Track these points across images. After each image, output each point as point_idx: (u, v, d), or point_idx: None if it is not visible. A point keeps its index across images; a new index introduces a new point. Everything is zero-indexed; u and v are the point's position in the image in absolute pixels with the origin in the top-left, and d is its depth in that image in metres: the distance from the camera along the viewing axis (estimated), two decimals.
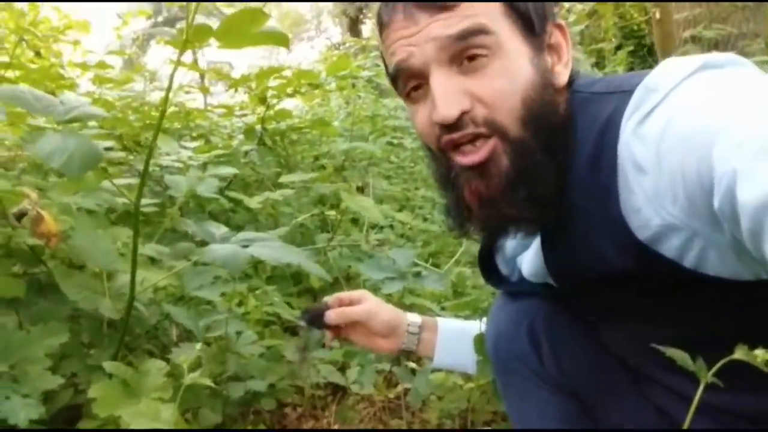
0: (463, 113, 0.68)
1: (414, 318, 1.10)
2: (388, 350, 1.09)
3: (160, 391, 0.91)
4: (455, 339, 1.09)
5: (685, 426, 0.51)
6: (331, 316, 1.06)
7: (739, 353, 0.46)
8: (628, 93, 0.66)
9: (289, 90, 2.20)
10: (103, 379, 0.99)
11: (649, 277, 0.68)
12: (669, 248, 0.64)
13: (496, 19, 0.69)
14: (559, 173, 0.70)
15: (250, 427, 1.17)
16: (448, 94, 0.68)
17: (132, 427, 0.73)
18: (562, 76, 0.73)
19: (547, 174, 0.70)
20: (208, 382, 0.87)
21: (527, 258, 0.89)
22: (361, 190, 1.53)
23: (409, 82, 0.73)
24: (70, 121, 0.91)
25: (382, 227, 2.06)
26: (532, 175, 0.69)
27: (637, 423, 0.89)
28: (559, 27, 0.75)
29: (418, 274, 1.27)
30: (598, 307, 0.83)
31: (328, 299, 1.11)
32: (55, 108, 0.92)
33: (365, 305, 1.08)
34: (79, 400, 1.16)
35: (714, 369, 0.48)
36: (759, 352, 0.49)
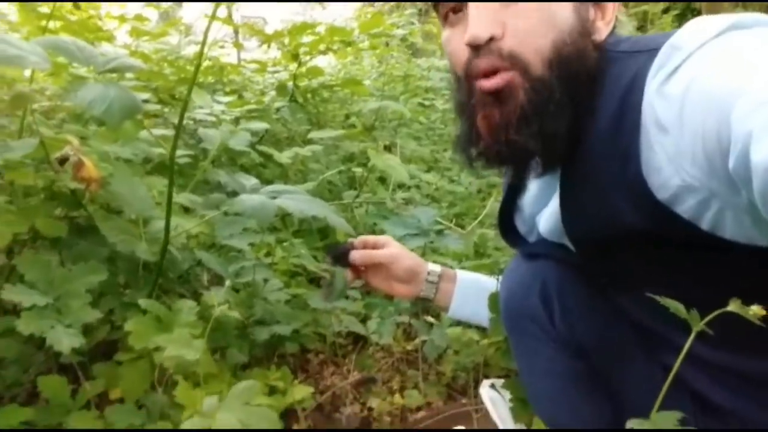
0: (492, 39, 0.70)
1: (434, 267, 1.13)
2: (406, 295, 1.13)
3: (191, 327, 0.97)
4: (472, 292, 1.13)
5: (672, 373, 0.54)
6: (356, 256, 1.11)
7: (733, 306, 0.48)
8: (654, 52, 0.67)
9: (322, 47, 2.21)
10: (138, 316, 1.06)
11: (664, 238, 0.69)
12: (687, 209, 0.65)
13: None
14: (575, 119, 0.72)
15: (274, 368, 1.24)
16: (483, 17, 0.69)
17: (166, 353, 0.79)
18: (601, 32, 0.74)
19: (561, 115, 0.71)
20: (236, 315, 0.92)
21: (545, 216, 0.90)
22: (388, 149, 1.55)
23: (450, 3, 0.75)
24: (110, 71, 0.95)
25: (408, 187, 2.09)
26: (546, 113, 0.70)
27: (645, 385, 0.91)
28: None
29: (440, 233, 1.31)
30: (612, 269, 0.85)
31: (353, 240, 1.15)
32: (96, 58, 0.97)
33: (389, 249, 1.12)
34: (115, 336, 1.25)
35: (705, 320, 0.51)
36: (754, 308, 0.51)
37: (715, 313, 0.50)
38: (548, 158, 0.75)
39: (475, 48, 0.71)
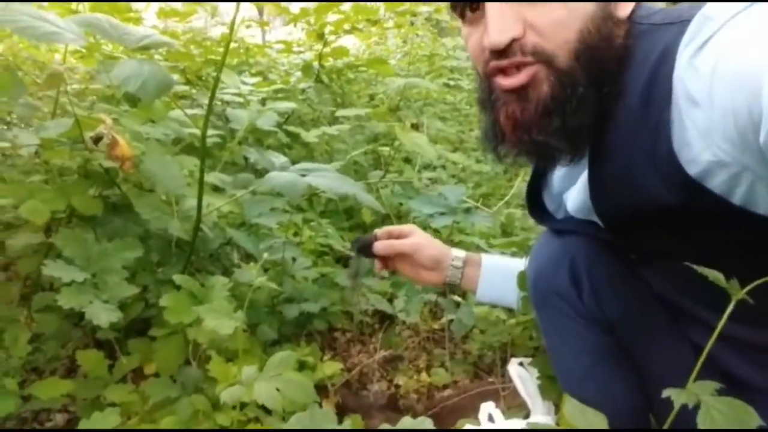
0: (514, 40, 0.68)
1: (459, 253, 1.14)
2: (432, 282, 1.14)
3: (223, 303, 0.98)
4: (498, 274, 1.13)
5: (706, 350, 0.53)
6: (379, 247, 1.12)
7: None
8: (686, 23, 0.65)
9: (347, 26, 2.20)
10: (172, 292, 1.08)
11: (695, 213, 0.68)
12: (718, 184, 0.64)
13: None
14: (601, 107, 0.70)
15: (303, 345, 1.26)
16: (502, 19, 0.68)
17: (205, 324, 0.81)
18: (625, 7, 0.72)
19: (585, 108, 0.70)
20: (273, 286, 0.94)
21: (573, 193, 0.90)
22: (415, 127, 1.55)
23: (468, 10, 0.73)
24: (143, 49, 0.96)
25: (434, 167, 2.08)
26: (570, 106, 0.69)
27: (673, 361, 0.90)
28: None
29: (468, 211, 1.30)
30: (642, 245, 0.84)
31: (377, 231, 1.16)
32: (128, 36, 0.98)
33: (413, 239, 1.13)
34: (148, 313, 1.28)
35: (749, 287, 0.50)
36: None
37: (756, 282, 0.50)
38: (574, 151, 0.74)
39: (497, 51, 0.69)
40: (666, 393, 0.52)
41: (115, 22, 0.99)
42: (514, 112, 0.72)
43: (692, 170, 0.65)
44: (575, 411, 0.52)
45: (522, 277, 1.08)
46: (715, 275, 0.50)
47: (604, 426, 0.53)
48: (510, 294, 1.12)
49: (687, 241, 0.75)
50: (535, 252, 0.99)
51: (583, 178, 0.83)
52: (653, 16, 0.73)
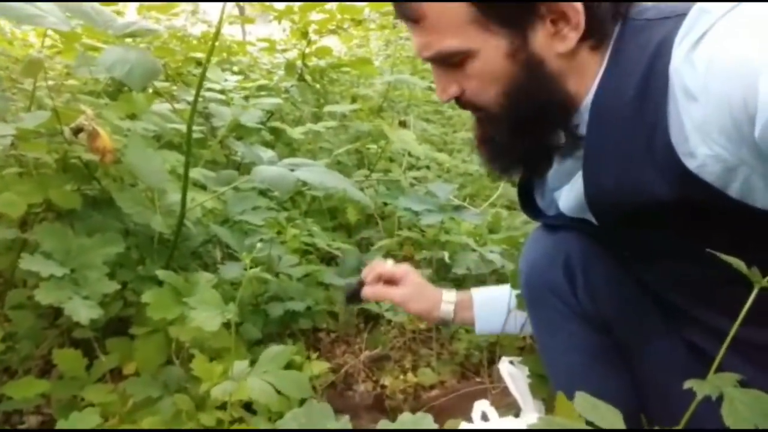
0: (456, 96, 0.79)
1: (449, 296, 1.14)
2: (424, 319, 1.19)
3: (209, 298, 0.96)
4: (491, 309, 1.13)
5: (718, 358, 0.53)
6: (369, 294, 1.13)
7: None
8: (682, 16, 0.65)
9: (331, 26, 2.18)
10: (155, 288, 1.05)
11: (692, 208, 0.68)
12: (715, 178, 0.64)
13: (462, 26, 0.72)
14: (548, 135, 0.80)
15: (290, 343, 1.23)
16: (441, 85, 0.79)
17: (193, 316, 0.78)
18: (568, 41, 0.72)
19: (512, 146, 0.81)
20: (265, 275, 0.91)
21: (565, 193, 0.89)
22: (403, 124, 1.54)
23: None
24: (129, 36, 0.93)
25: (419, 167, 2.07)
26: (504, 141, 0.81)
27: (667, 360, 0.90)
28: None
29: (456, 208, 1.29)
30: (636, 243, 0.84)
31: (366, 273, 1.15)
32: (114, 22, 0.95)
33: (403, 290, 1.13)
34: (127, 312, 1.24)
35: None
36: None
37: None
38: (510, 172, 0.88)
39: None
40: (687, 384, 0.50)
41: (100, 8, 0.96)
42: (477, 132, 0.86)
43: (690, 164, 0.65)
44: (587, 406, 0.50)
45: (513, 276, 1.07)
46: (737, 263, 0.49)
47: (619, 421, 0.52)
48: (509, 325, 1.12)
49: (682, 237, 0.74)
50: (528, 247, 0.98)
51: (575, 179, 0.83)
52: (647, 12, 0.73)
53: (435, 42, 0.74)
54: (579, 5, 0.70)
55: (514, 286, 1.07)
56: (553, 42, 0.72)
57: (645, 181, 0.69)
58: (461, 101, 0.80)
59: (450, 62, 0.75)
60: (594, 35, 0.72)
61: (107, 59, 0.85)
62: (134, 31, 0.93)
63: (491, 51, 0.73)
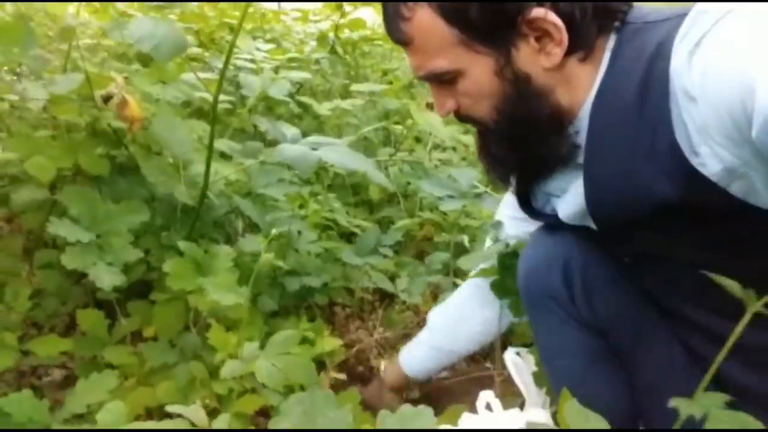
0: (453, 111, 0.82)
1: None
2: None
3: (228, 273, 0.98)
4: (413, 365, 1.21)
5: (718, 359, 0.52)
6: None
7: None
8: (682, 17, 0.65)
9: None
10: (175, 258, 1.07)
11: (694, 208, 0.67)
12: (717, 177, 0.64)
13: (448, 48, 0.75)
14: (543, 146, 0.80)
15: (305, 318, 1.26)
16: (439, 101, 0.82)
17: (211, 296, 0.80)
18: (553, 56, 0.73)
19: (507, 158, 0.84)
20: (278, 263, 0.93)
21: (564, 201, 0.88)
22: (430, 107, 1.52)
23: None
24: (161, 7, 0.94)
25: (444, 148, 2.06)
26: (494, 155, 0.85)
27: (666, 365, 0.90)
28: (542, 13, 0.71)
29: (478, 196, 1.29)
30: (637, 248, 0.83)
31: None
32: None
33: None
34: (150, 276, 1.27)
35: (765, 299, 0.49)
36: None
37: None
38: (506, 179, 0.90)
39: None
40: (673, 403, 0.51)
41: None
42: (477, 144, 0.89)
43: (693, 162, 0.65)
44: (574, 412, 0.51)
45: (499, 284, 1.08)
46: (731, 284, 0.49)
47: (605, 428, 0.53)
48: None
49: (683, 241, 0.74)
50: (527, 252, 0.98)
51: (576, 185, 0.82)
52: (647, 15, 0.73)
53: (426, 63, 0.77)
54: (560, 22, 0.70)
55: (499, 294, 1.08)
56: (539, 58, 0.74)
57: (648, 182, 0.69)
58: (459, 115, 0.83)
59: (443, 80, 0.79)
60: (580, 48, 0.73)
61: (136, 32, 0.86)
62: (165, 2, 0.94)
63: (478, 70, 0.76)
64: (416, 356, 1.21)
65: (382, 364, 1.25)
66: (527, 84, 0.75)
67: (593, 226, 0.82)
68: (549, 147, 0.80)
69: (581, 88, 0.75)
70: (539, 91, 0.76)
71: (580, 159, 0.78)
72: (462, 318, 1.18)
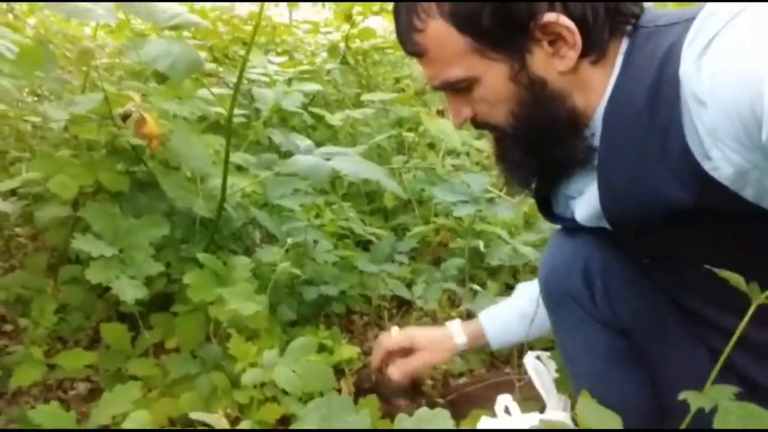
0: (470, 118, 0.83)
1: (457, 330, 1.18)
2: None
3: (246, 283, 1.00)
4: (501, 327, 1.17)
5: (726, 352, 0.53)
6: (397, 376, 1.14)
7: None
8: (690, 21, 0.65)
9: (376, 7, 2.18)
10: (195, 270, 1.09)
11: (708, 212, 0.68)
12: (729, 180, 0.64)
13: (463, 56, 0.75)
14: (559, 149, 0.81)
15: (323, 327, 1.27)
16: (454, 109, 0.83)
17: (231, 306, 0.82)
18: (568, 60, 0.74)
19: (525, 163, 0.84)
20: (296, 271, 0.95)
21: (581, 203, 0.89)
22: (441, 114, 1.54)
23: None
24: (173, 28, 0.97)
25: (458, 154, 2.07)
26: (511, 161, 0.85)
27: (687, 366, 0.90)
28: (555, 17, 0.71)
29: (491, 201, 1.29)
30: (654, 249, 0.84)
31: (373, 358, 1.18)
32: (159, 14, 0.98)
33: (421, 356, 1.16)
34: (171, 288, 1.30)
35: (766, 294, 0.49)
36: None
37: None
38: (527, 185, 0.90)
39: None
40: (683, 396, 0.51)
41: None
42: (494, 150, 0.88)
43: (705, 166, 0.65)
44: (588, 410, 0.51)
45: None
46: (736, 278, 0.49)
47: (618, 426, 0.53)
48: (520, 334, 1.17)
49: (698, 243, 0.75)
50: (548, 253, 0.99)
51: (591, 188, 0.83)
52: (658, 18, 0.74)
53: (440, 72, 0.78)
54: (572, 25, 0.71)
55: None
56: (553, 62, 0.74)
57: (661, 186, 0.70)
58: (475, 122, 0.83)
59: (458, 88, 0.79)
60: (593, 51, 0.74)
61: (151, 52, 0.89)
62: (179, 23, 0.96)
63: (493, 76, 0.76)
64: (500, 321, 1.18)
65: (394, 329, 1.21)
66: (543, 88, 0.76)
67: (609, 228, 0.83)
68: (566, 150, 0.80)
69: (595, 91, 0.76)
70: (555, 95, 0.76)
71: (596, 161, 0.78)
72: None
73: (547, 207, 0.98)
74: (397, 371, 1.15)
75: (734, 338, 0.54)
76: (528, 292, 1.15)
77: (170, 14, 1.00)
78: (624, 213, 0.77)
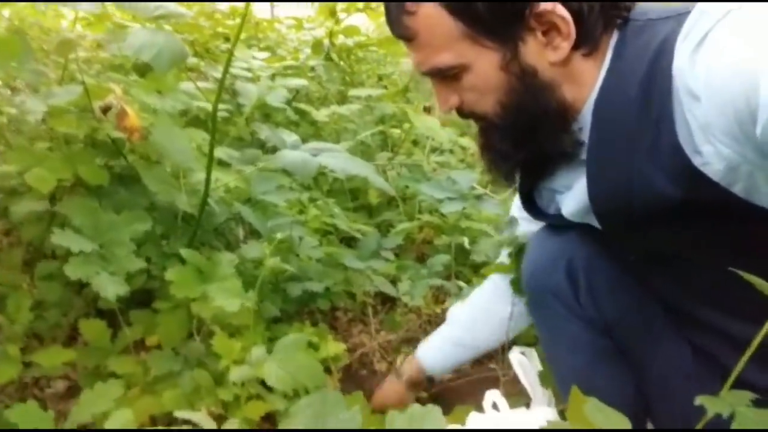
0: (456, 107, 0.81)
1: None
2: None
3: (234, 279, 0.98)
4: (436, 361, 1.22)
5: (739, 366, 0.52)
6: None
7: None
8: (684, 15, 0.65)
9: (360, 5, 2.17)
10: (178, 266, 1.07)
11: (697, 207, 0.68)
12: (719, 175, 0.64)
13: (454, 43, 0.74)
14: (547, 142, 0.80)
15: (307, 323, 1.26)
16: (441, 97, 0.82)
17: (216, 303, 0.81)
18: (560, 50, 0.73)
19: (511, 153, 0.82)
20: (285, 266, 0.94)
21: (568, 198, 0.88)
22: (428, 110, 1.53)
23: None
24: (158, 18, 0.95)
25: (443, 151, 2.07)
26: (499, 151, 0.83)
27: (671, 363, 0.90)
28: (551, 6, 0.71)
29: (477, 198, 1.29)
30: (641, 245, 0.84)
31: None
32: (144, 5, 0.96)
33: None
34: (151, 285, 1.27)
35: None
36: None
37: None
38: (510, 178, 0.89)
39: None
40: (699, 401, 0.51)
41: None
42: (479, 141, 0.87)
43: (696, 161, 0.65)
44: (596, 411, 0.51)
45: (515, 282, 1.08)
46: (761, 282, 0.49)
47: (627, 425, 0.53)
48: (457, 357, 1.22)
49: (687, 239, 0.75)
50: (531, 250, 0.98)
51: (579, 183, 0.82)
52: (649, 12, 0.74)
53: (430, 58, 0.77)
54: (568, 15, 0.71)
55: (516, 292, 1.08)
56: (546, 52, 0.74)
57: (651, 181, 0.69)
58: (462, 112, 0.82)
59: (447, 75, 0.78)
60: (586, 43, 0.73)
61: (135, 42, 0.87)
62: (163, 14, 0.94)
63: (484, 64, 0.75)
64: (435, 352, 1.20)
65: (399, 360, 1.25)
66: (533, 78, 0.75)
67: (596, 224, 0.82)
68: (553, 143, 0.79)
69: (585, 84, 0.76)
70: (545, 85, 0.75)
71: (584, 155, 0.78)
72: (483, 313, 1.17)
73: (531, 202, 0.97)
74: None
75: (750, 349, 0.54)
76: (460, 320, 1.20)
77: (154, 5, 0.98)
78: (612, 207, 0.77)
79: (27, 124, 1.36)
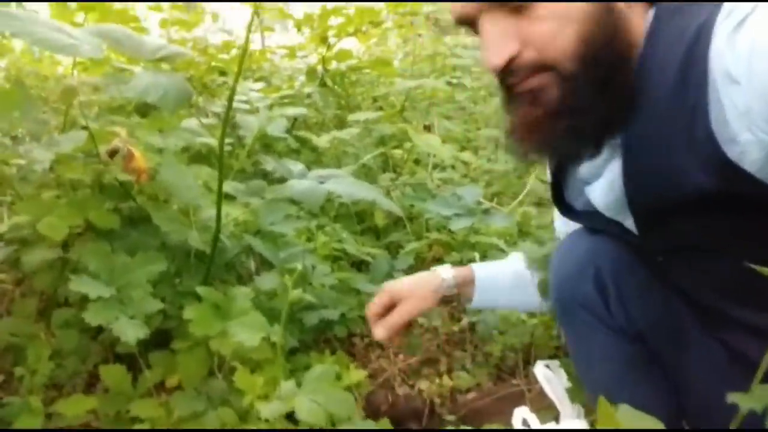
0: (512, 59, 0.69)
1: (446, 273, 1.09)
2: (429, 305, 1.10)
3: (248, 314, 0.98)
4: (491, 283, 1.11)
5: (763, 366, 0.52)
6: (379, 333, 1.06)
7: None
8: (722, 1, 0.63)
9: (350, 29, 2.19)
10: (194, 304, 1.07)
11: (731, 200, 0.66)
12: (757, 165, 0.62)
13: None
14: (616, 101, 0.70)
15: (326, 352, 1.25)
16: (495, 41, 0.68)
17: (235, 338, 0.80)
18: None
19: (594, 108, 0.70)
20: (307, 296, 0.92)
21: (600, 188, 0.85)
22: (428, 129, 1.54)
23: (468, 28, 0.73)
24: (159, 61, 0.95)
25: (444, 167, 2.07)
26: (577, 108, 0.70)
27: (706, 364, 0.89)
28: None
29: (485, 212, 1.29)
30: (674, 240, 0.82)
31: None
32: (144, 47, 0.97)
33: (404, 308, 1.06)
34: (167, 325, 1.27)
35: None
36: None
37: None
38: (584, 150, 0.76)
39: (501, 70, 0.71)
40: (731, 399, 0.50)
41: (130, 33, 0.98)
42: (528, 114, 0.73)
43: (731, 151, 0.63)
44: (630, 416, 0.50)
45: (542, 286, 1.07)
46: None
47: (660, 427, 0.52)
48: (502, 300, 1.12)
49: (723, 232, 0.73)
50: (558, 259, 0.96)
51: (611, 172, 0.80)
52: None
53: None
54: None
55: (543, 295, 1.07)
56: None
57: (686, 172, 0.67)
58: (518, 64, 0.69)
59: (513, 7, 0.67)
60: None
61: (139, 84, 0.87)
62: (165, 55, 0.95)
63: None
64: (492, 271, 1.12)
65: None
66: (613, 8, 0.68)
67: (629, 219, 0.81)
68: (621, 101, 0.70)
69: (636, 36, 0.70)
70: (620, 20, 0.68)
71: (615, 140, 0.75)
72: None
73: (560, 198, 0.95)
74: (379, 331, 1.06)
75: None
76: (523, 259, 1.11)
77: (155, 47, 0.99)
78: (648, 197, 0.74)
79: (34, 173, 1.36)
